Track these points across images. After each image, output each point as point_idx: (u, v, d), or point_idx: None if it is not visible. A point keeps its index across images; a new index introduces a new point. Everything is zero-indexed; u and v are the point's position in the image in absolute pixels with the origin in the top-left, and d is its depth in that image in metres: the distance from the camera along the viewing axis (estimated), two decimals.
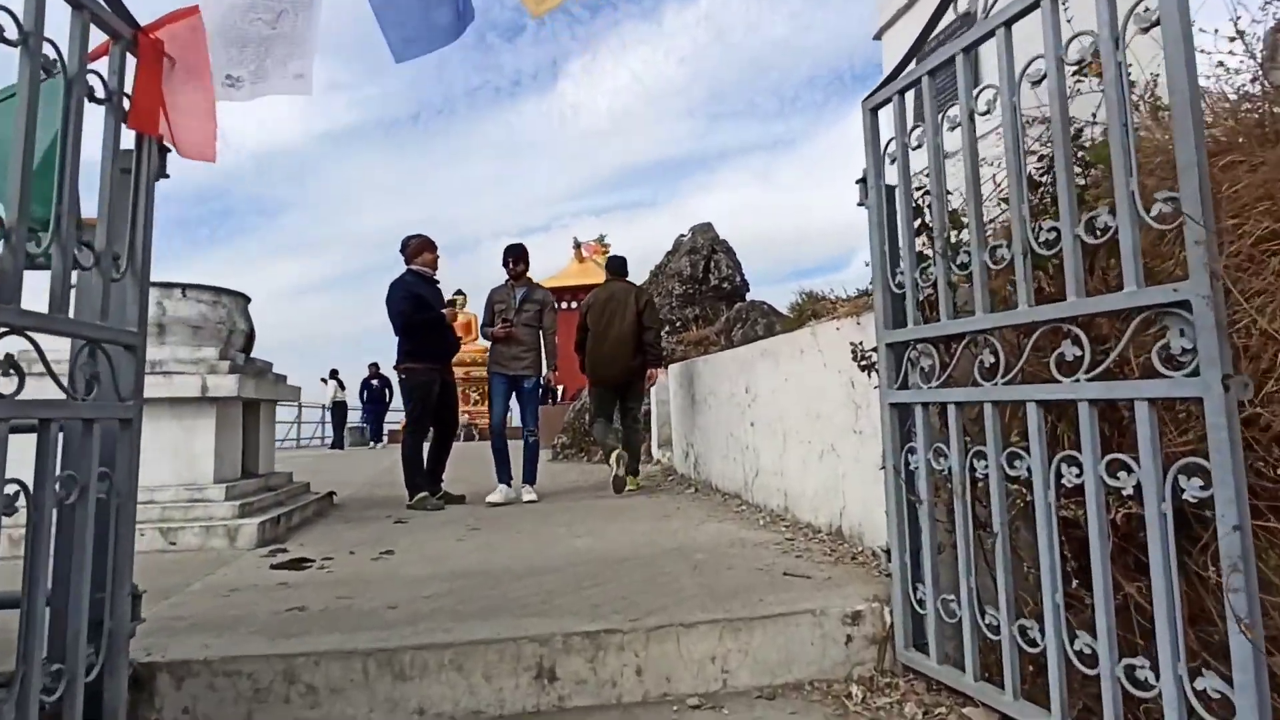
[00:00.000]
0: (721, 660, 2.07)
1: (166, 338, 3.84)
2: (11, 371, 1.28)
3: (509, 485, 5.18)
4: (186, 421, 3.70)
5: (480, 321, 5.41)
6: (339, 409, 14.80)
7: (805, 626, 2.12)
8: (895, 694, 2.01)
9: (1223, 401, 1.28)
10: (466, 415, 21.54)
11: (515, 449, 5.39)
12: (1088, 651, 1.52)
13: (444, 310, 4.85)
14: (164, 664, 1.87)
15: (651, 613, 2.18)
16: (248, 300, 4.38)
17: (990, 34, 1.76)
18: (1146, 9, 1.41)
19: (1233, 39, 1.98)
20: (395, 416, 18.86)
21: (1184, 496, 1.35)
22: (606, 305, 5.53)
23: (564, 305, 12.53)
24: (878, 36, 7.22)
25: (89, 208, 1.58)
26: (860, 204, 2.28)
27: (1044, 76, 1.61)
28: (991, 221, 2.20)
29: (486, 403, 20.69)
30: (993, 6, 1.78)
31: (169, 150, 1.85)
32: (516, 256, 5.23)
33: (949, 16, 1.97)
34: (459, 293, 15.88)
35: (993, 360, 1.76)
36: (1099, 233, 1.50)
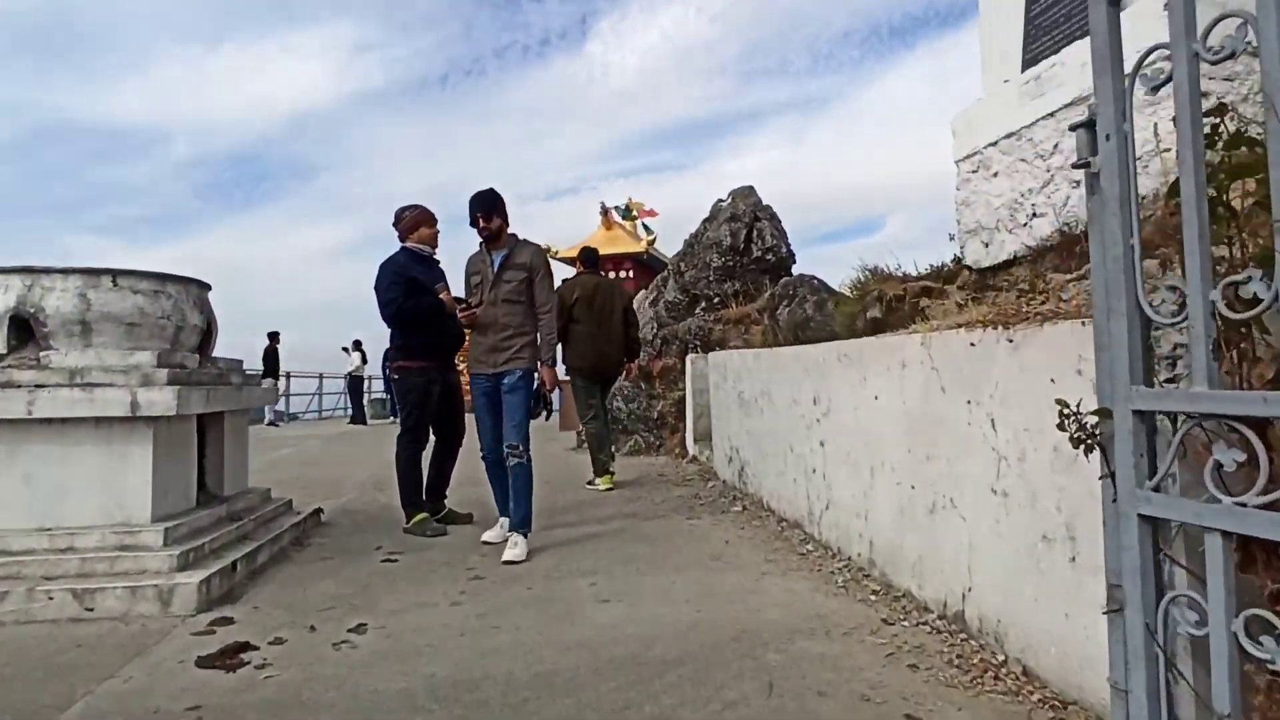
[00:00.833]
0: None
1: (92, 339, 3.07)
2: None
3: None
4: (116, 446, 2.94)
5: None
6: (356, 383, 14.16)
7: None
8: None
9: None
10: None
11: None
12: None
13: (440, 296, 4.00)
14: None
15: None
16: (206, 288, 3.59)
17: None
18: None
19: None
20: None
21: None
22: (597, 298, 5.53)
23: None
24: None
25: None
26: (1080, 163, 1.38)
27: None
28: None
29: None
30: None
31: None
32: (485, 209, 3.67)
33: None
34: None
35: None
36: None
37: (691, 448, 6.91)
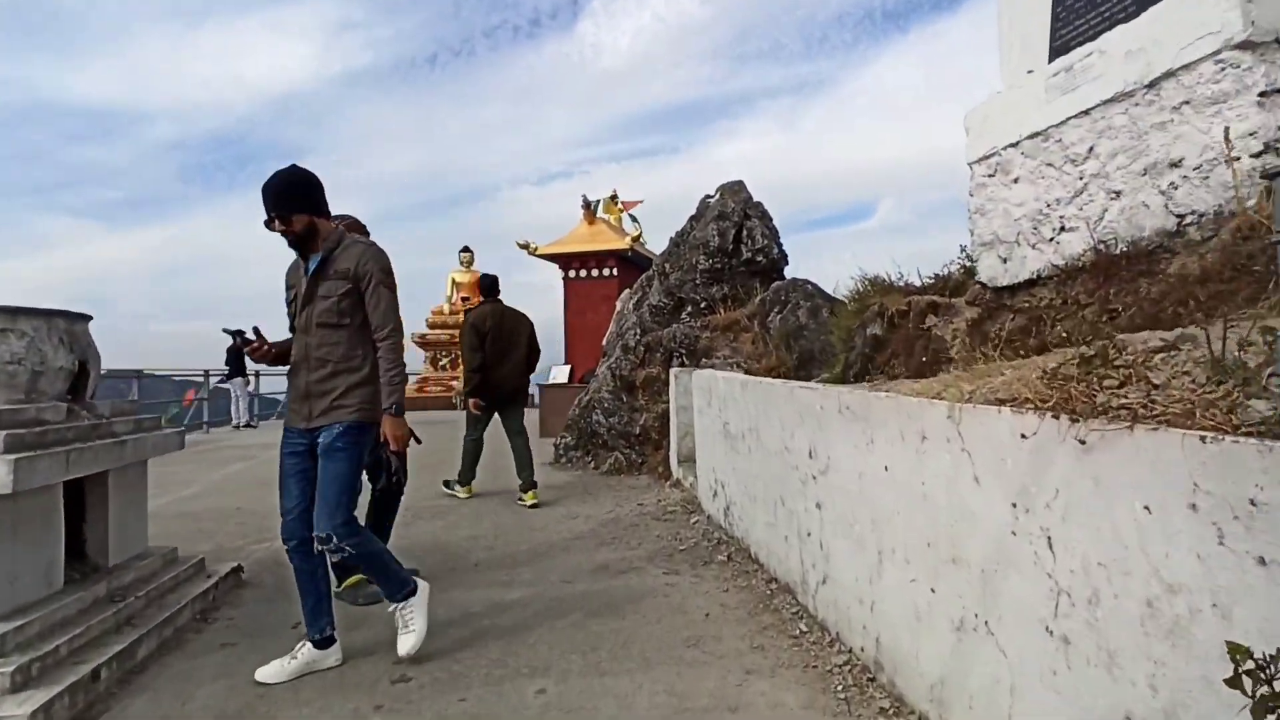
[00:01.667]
0: None
1: None
2: None
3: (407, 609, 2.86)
4: None
5: None
6: None
7: None
8: None
9: None
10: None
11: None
12: None
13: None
14: None
15: None
16: (79, 319, 3.00)
17: None
18: None
19: None
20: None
21: None
22: (502, 328, 5.84)
23: (574, 274, 11.07)
24: None
25: None
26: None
27: None
28: None
29: (458, 369, 18.92)
30: None
31: None
32: (278, 204, 2.65)
33: None
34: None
35: None
36: None
37: (676, 469, 6.37)
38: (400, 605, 2.82)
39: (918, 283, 5.63)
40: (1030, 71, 3.73)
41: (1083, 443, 1.46)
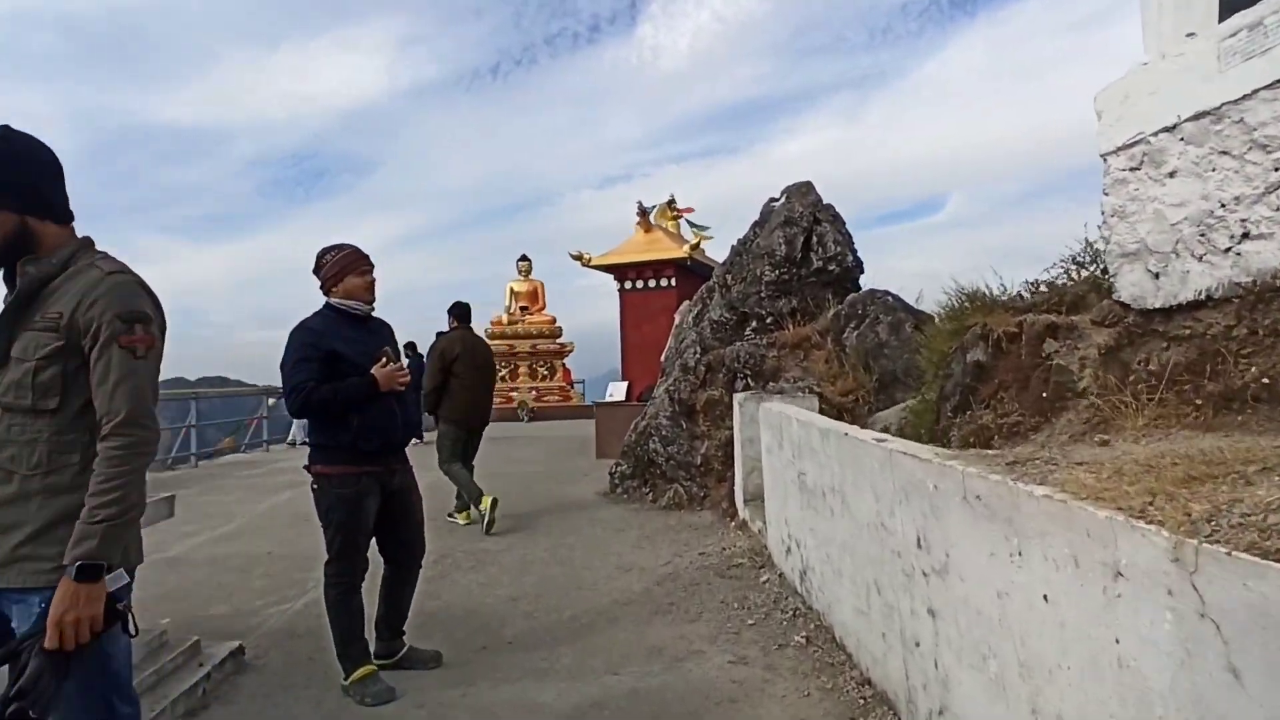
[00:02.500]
0: None
1: None
2: None
3: None
4: None
5: None
6: None
7: None
8: None
9: None
10: (534, 391, 20.02)
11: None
12: None
13: (375, 371, 2.88)
14: None
15: None
16: None
17: None
18: None
19: None
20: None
21: None
22: (475, 356, 6.02)
23: (630, 285, 10.50)
24: None
25: None
26: None
27: None
28: None
29: (538, 379, 18.61)
30: None
31: None
32: None
33: None
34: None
35: None
36: None
37: (742, 509, 5.70)
38: None
39: (1026, 296, 4.81)
40: (1191, 35, 2.93)
41: None
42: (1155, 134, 3.04)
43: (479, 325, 21.09)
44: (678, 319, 9.25)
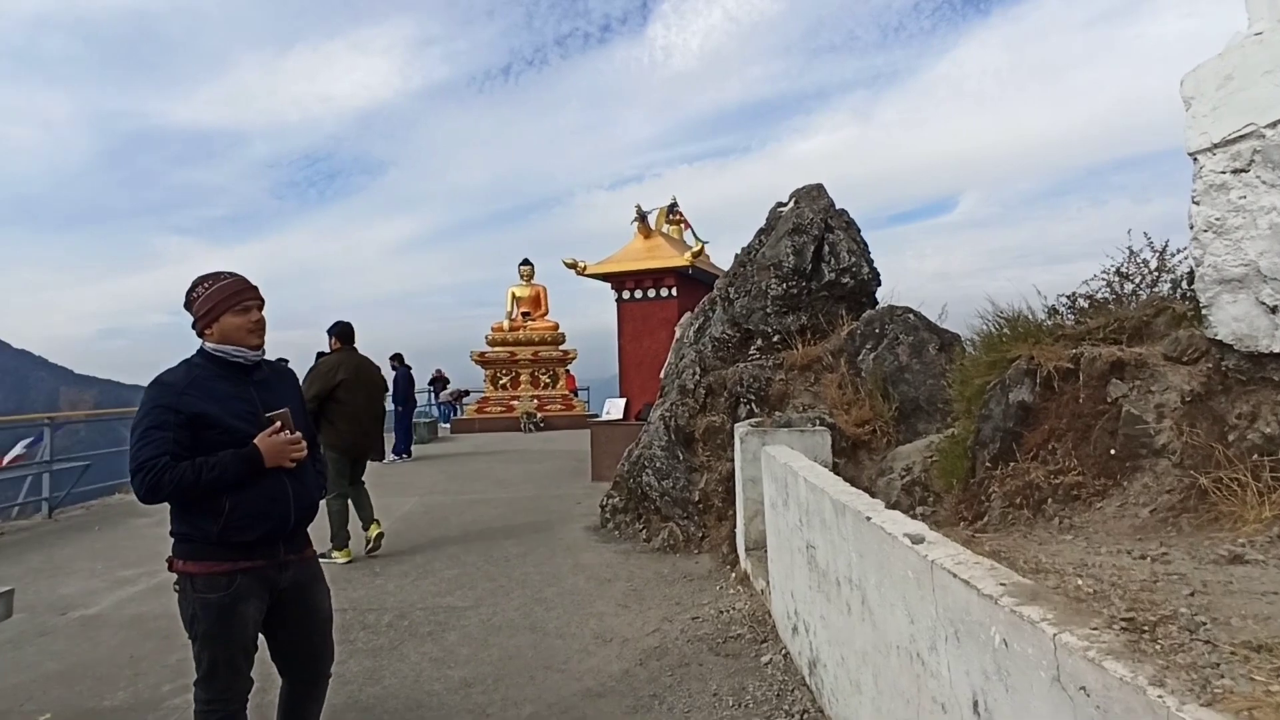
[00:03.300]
0: None
1: None
2: None
3: None
4: None
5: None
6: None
7: None
8: None
9: None
10: (536, 400, 19.36)
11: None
12: None
13: (261, 437, 2.20)
14: None
15: None
16: None
17: None
18: None
19: None
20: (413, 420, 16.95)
21: None
22: (360, 379, 5.78)
23: (629, 295, 9.82)
24: None
25: None
26: None
27: None
28: None
29: (539, 387, 17.89)
30: None
31: None
32: None
33: None
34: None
35: None
36: None
37: (744, 558, 5.00)
38: None
39: (1071, 318, 4.09)
40: None
41: None
42: (1271, 125, 2.34)
43: (481, 331, 20.57)
44: (678, 333, 8.56)
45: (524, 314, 20.53)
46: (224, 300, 2.26)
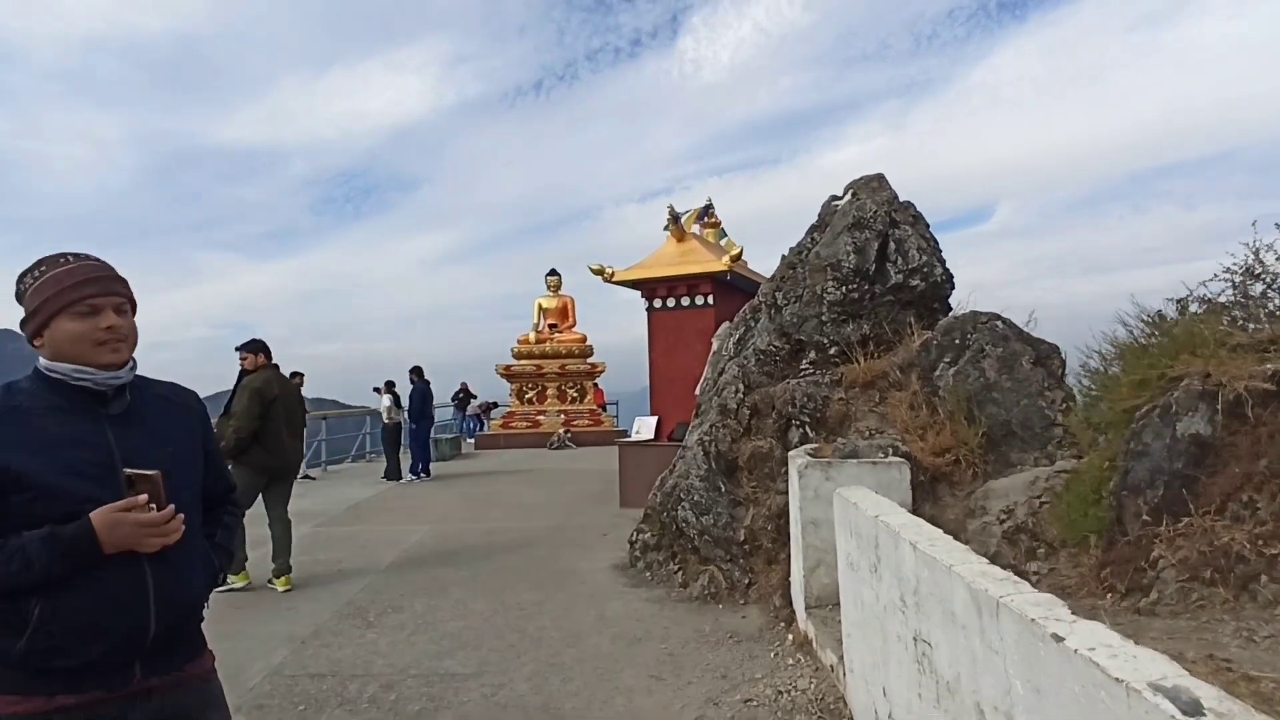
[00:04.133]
0: None
1: None
2: None
3: None
4: None
5: None
6: (390, 431, 12.01)
7: None
8: None
9: None
10: (563, 415, 18.62)
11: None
12: None
13: (102, 511, 1.42)
14: None
15: None
16: None
17: None
18: None
19: None
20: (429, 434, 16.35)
21: None
22: (285, 397, 5.55)
23: (661, 303, 9.02)
24: None
25: None
26: None
27: None
28: None
29: (566, 401, 17.23)
30: None
31: None
32: None
33: None
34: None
35: None
36: None
37: (803, 617, 4.13)
38: None
39: (1249, 325, 3.16)
40: None
41: None
42: None
43: (509, 344, 19.91)
44: (715, 344, 7.74)
45: (551, 325, 19.86)
46: (55, 296, 1.49)
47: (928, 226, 5.82)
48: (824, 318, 5.51)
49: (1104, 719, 1.26)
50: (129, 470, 1.48)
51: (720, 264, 8.42)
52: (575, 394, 19.02)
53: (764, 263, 9.69)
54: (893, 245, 5.52)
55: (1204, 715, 1.09)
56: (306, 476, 12.25)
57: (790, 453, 4.67)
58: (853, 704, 3.09)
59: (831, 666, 3.49)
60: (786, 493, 5.09)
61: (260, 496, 5.49)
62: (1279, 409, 2.46)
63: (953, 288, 5.63)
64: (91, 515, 1.40)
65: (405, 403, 11.83)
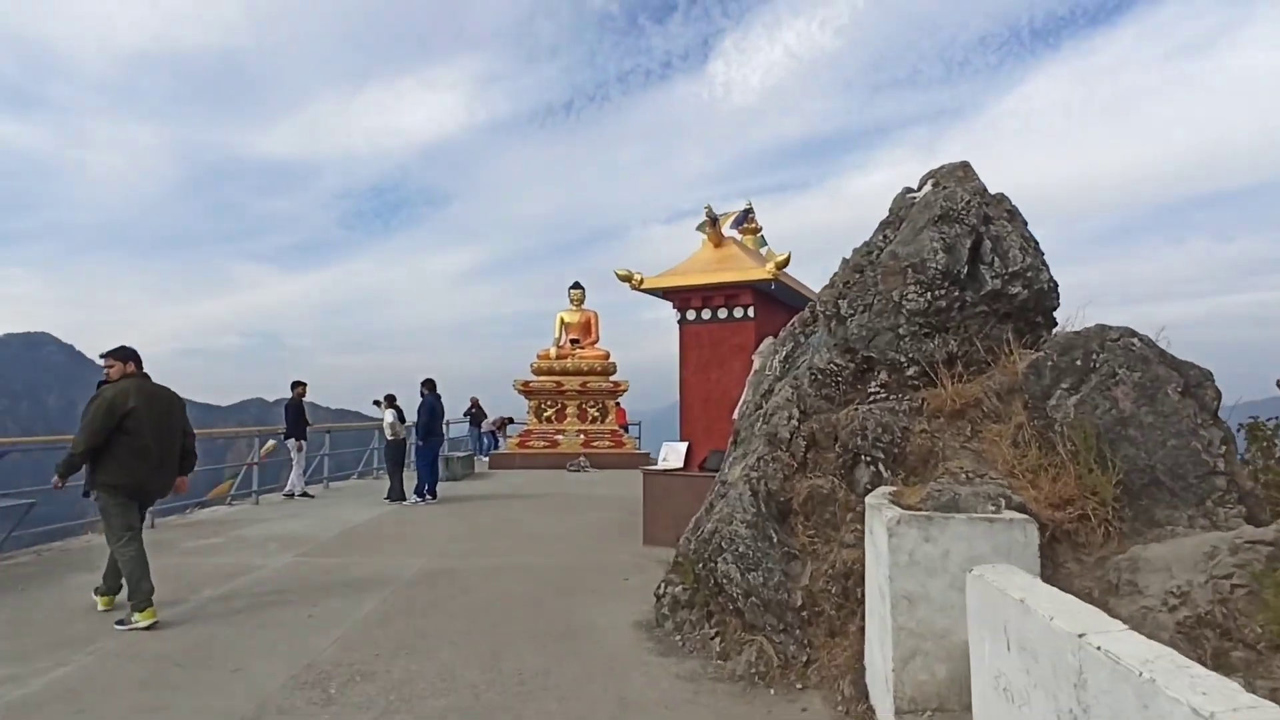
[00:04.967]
0: None
1: None
2: None
3: None
4: None
5: None
6: (394, 449, 11.12)
7: None
8: None
9: None
10: (582, 436, 17.69)
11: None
12: None
13: None
14: None
15: None
16: None
17: None
18: None
19: None
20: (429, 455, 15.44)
21: None
22: (153, 409, 5.00)
23: (694, 315, 8.08)
24: None
25: None
26: None
27: None
28: None
29: (587, 420, 16.33)
30: None
31: None
32: None
33: None
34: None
35: None
36: None
37: (885, 709, 3.10)
38: None
39: None
40: None
41: None
42: None
43: (526, 358, 19.05)
44: (757, 362, 6.77)
45: (572, 341, 18.99)
46: None
47: (1025, 224, 4.82)
48: (901, 330, 4.51)
49: None
50: None
51: (763, 272, 7.46)
52: (596, 413, 18.08)
53: (808, 276, 8.72)
54: (988, 244, 4.53)
55: None
56: (305, 494, 11.41)
57: (868, 499, 3.67)
58: None
59: None
60: (854, 545, 4.09)
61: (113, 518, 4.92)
62: None
63: (1058, 299, 4.61)
64: None
65: (412, 417, 10.97)
